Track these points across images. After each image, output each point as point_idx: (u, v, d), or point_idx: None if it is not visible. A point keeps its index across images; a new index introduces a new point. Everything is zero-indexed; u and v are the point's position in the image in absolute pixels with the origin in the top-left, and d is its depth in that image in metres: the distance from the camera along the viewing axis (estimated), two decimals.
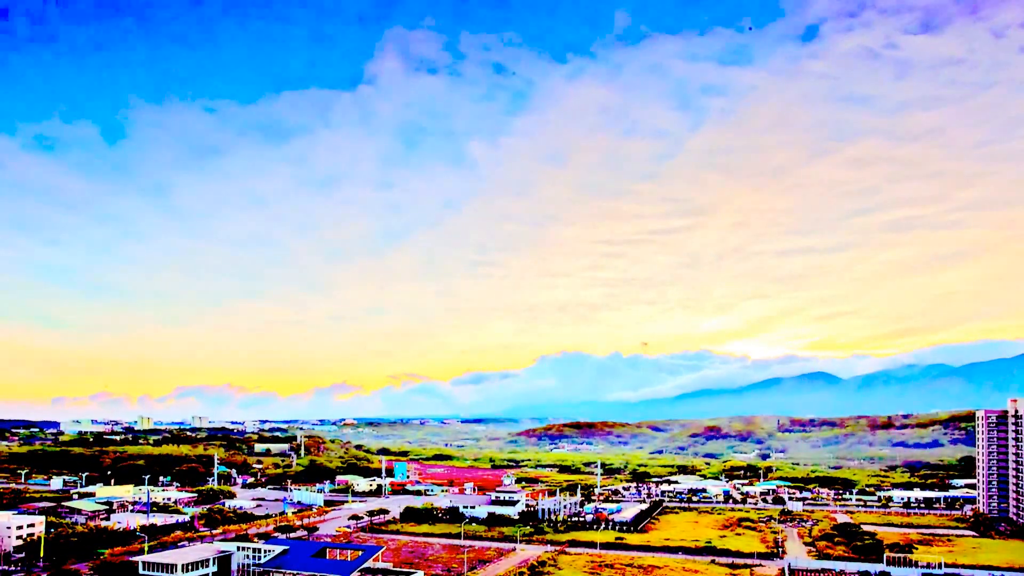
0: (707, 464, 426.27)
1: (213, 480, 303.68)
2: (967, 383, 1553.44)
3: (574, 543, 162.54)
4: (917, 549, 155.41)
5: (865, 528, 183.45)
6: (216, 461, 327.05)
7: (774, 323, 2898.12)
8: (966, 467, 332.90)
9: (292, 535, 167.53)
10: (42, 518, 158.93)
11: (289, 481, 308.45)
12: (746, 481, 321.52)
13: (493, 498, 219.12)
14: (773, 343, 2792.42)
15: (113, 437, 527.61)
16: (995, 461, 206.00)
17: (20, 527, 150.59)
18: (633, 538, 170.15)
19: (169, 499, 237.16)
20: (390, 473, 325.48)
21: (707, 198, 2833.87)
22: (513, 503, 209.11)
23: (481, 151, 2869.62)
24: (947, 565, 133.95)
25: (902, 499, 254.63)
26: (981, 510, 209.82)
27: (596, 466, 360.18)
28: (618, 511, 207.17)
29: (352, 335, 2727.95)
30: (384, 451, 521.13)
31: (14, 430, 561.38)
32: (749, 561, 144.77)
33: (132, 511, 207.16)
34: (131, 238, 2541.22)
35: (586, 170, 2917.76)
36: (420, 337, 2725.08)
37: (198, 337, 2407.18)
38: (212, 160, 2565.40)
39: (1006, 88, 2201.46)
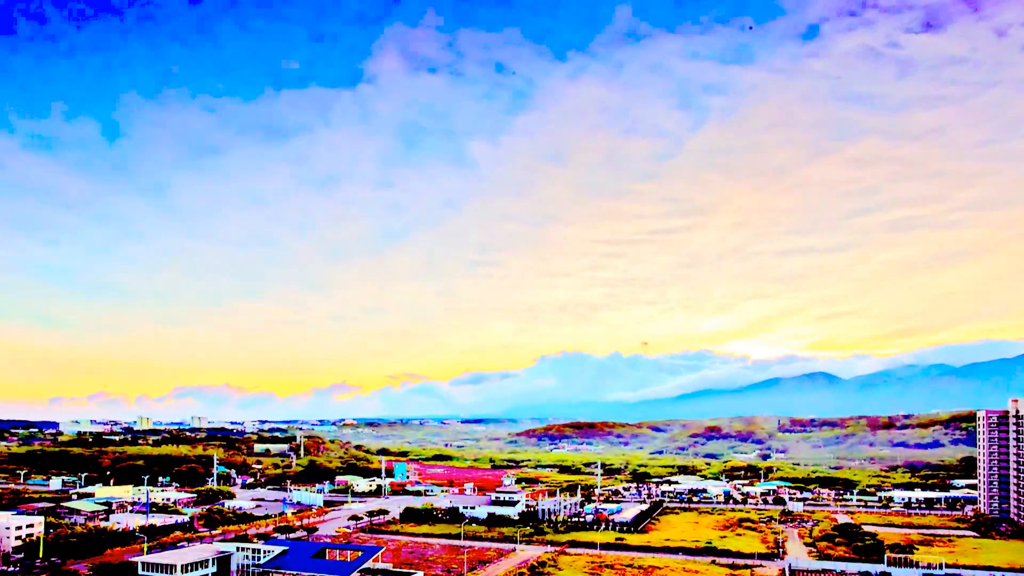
0: (707, 464, 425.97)
1: (212, 480, 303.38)
2: (968, 383, 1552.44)
3: (574, 543, 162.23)
4: (918, 550, 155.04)
5: (866, 528, 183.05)
6: (215, 461, 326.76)
7: (775, 323, 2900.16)
8: (967, 467, 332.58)
9: (292, 536, 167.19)
10: (41, 518, 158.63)
11: (289, 481, 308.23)
12: (746, 481, 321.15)
13: (493, 498, 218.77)
14: (773, 343, 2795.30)
15: (112, 437, 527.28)
16: (996, 461, 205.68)
17: (19, 527, 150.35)
18: (633, 538, 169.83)
19: (168, 499, 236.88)
20: (390, 473, 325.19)
21: (707, 198, 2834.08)
22: (513, 503, 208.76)
23: (481, 150, 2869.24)
24: (948, 566, 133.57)
25: (903, 499, 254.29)
26: (982, 510, 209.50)
27: (596, 466, 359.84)
28: (618, 511, 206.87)
29: (352, 335, 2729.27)
30: (384, 451, 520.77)
31: (13, 430, 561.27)
32: (750, 562, 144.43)
33: (131, 511, 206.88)
34: (130, 237, 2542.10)
35: (586, 169, 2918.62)
36: (420, 337, 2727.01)
37: (197, 337, 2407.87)
38: (211, 159, 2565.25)
39: (1008, 87, 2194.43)
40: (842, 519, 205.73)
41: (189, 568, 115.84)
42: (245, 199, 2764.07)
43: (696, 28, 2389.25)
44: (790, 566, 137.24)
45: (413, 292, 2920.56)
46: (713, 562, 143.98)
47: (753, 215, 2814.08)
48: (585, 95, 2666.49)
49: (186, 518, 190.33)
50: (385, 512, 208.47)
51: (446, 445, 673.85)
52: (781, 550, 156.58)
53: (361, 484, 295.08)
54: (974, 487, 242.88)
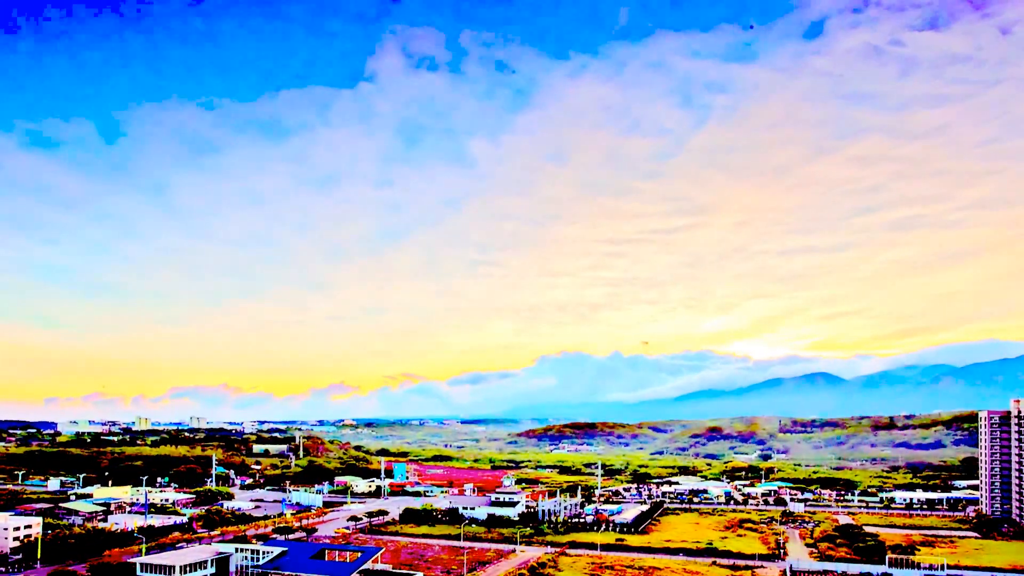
0: (708, 465, 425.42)
1: (211, 481, 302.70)
2: (970, 384, 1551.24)
3: (574, 544, 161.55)
4: (919, 551, 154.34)
5: (867, 529, 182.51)
6: (214, 462, 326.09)
7: (776, 323, 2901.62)
8: (969, 468, 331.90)
9: (291, 536, 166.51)
10: (39, 519, 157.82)
11: (288, 482, 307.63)
12: (747, 482, 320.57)
13: (493, 499, 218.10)
14: (775, 343, 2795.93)
15: (111, 438, 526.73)
16: (998, 462, 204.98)
17: (17, 528, 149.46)
18: (634, 539, 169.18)
19: (167, 500, 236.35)
20: (389, 474, 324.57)
21: (709, 197, 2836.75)
22: (513, 504, 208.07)
23: (482, 149, 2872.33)
24: (950, 567, 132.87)
25: (904, 500, 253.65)
26: (984, 511, 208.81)
27: (596, 467, 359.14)
28: (619, 512, 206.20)
29: (351, 335, 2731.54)
30: (383, 452, 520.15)
31: (11, 431, 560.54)
32: (750, 563, 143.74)
33: (130, 512, 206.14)
34: (129, 237, 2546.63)
35: (587, 168, 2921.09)
36: (420, 337, 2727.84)
37: (195, 337, 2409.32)
38: (211, 158, 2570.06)
39: (1012, 85, 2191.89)
40: (843, 520, 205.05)
41: (188, 569, 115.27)
42: (244, 199, 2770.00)
43: (698, 26, 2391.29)
44: (791, 567, 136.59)
45: (413, 292, 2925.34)
46: (714, 563, 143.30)
47: (755, 214, 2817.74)
48: (586, 94, 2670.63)
49: (185, 519, 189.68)
50: (384, 513, 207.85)
51: (446, 446, 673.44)
52: (782, 551, 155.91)
53: (360, 485, 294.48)
54: (976, 488, 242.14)
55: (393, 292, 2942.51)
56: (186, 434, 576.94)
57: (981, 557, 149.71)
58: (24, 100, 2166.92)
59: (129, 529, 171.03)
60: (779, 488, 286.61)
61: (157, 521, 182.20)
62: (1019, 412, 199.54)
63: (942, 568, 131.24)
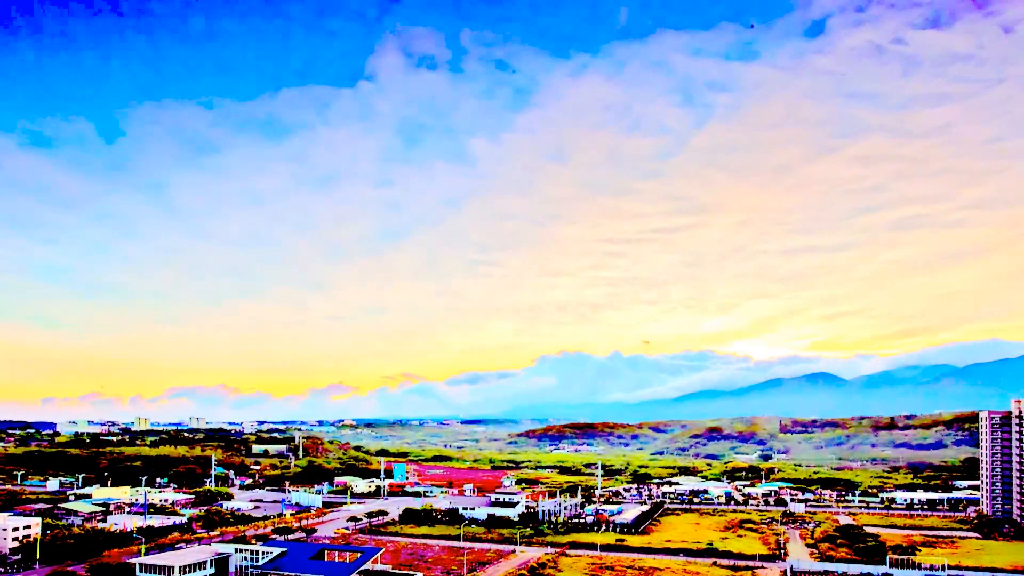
0: (708, 465, 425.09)
1: (211, 481, 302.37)
2: (971, 384, 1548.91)
3: (574, 545, 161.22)
4: (920, 551, 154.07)
5: (868, 530, 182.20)
6: (214, 462, 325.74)
7: (777, 323, 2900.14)
8: (970, 468, 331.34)
9: (290, 537, 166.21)
10: (38, 520, 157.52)
11: (287, 482, 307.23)
12: (748, 482, 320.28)
13: (493, 500, 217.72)
14: (776, 343, 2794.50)
15: (110, 438, 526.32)
16: (999, 462, 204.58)
17: (16, 529, 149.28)
18: (634, 540, 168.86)
19: (166, 501, 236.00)
20: (389, 474, 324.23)
21: (710, 196, 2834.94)
22: (513, 505, 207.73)
23: (482, 148, 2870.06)
24: (950, 567, 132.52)
25: (905, 500, 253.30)
26: (985, 512, 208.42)
27: (596, 467, 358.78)
28: (619, 512, 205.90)
29: (351, 335, 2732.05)
30: (383, 452, 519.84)
31: (10, 431, 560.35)
32: (751, 563, 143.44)
33: (129, 513, 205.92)
34: (128, 237, 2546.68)
35: (588, 168, 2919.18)
36: (419, 337, 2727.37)
37: (195, 337, 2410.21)
38: (210, 158, 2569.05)
39: (1014, 84, 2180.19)
40: (844, 520, 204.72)
41: (187, 569, 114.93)
42: (244, 198, 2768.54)
43: (699, 25, 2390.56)
44: (792, 567, 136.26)
45: (413, 291, 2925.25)
46: (714, 563, 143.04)
47: (756, 214, 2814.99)
48: (587, 93, 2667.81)
49: (184, 519, 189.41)
50: (384, 513, 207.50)
51: (445, 446, 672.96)
52: (783, 551, 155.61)
53: (360, 485, 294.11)
54: (977, 488, 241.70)
55: (393, 292, 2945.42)
56: (185, 434, 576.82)
57: (982, 558, 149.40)
58: (23, 99, 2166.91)
59: (128, 529, 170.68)
60: (779, 488, 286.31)
61: (156, 521, 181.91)
62: (1020, 412, 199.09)
63: (943, 569, 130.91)
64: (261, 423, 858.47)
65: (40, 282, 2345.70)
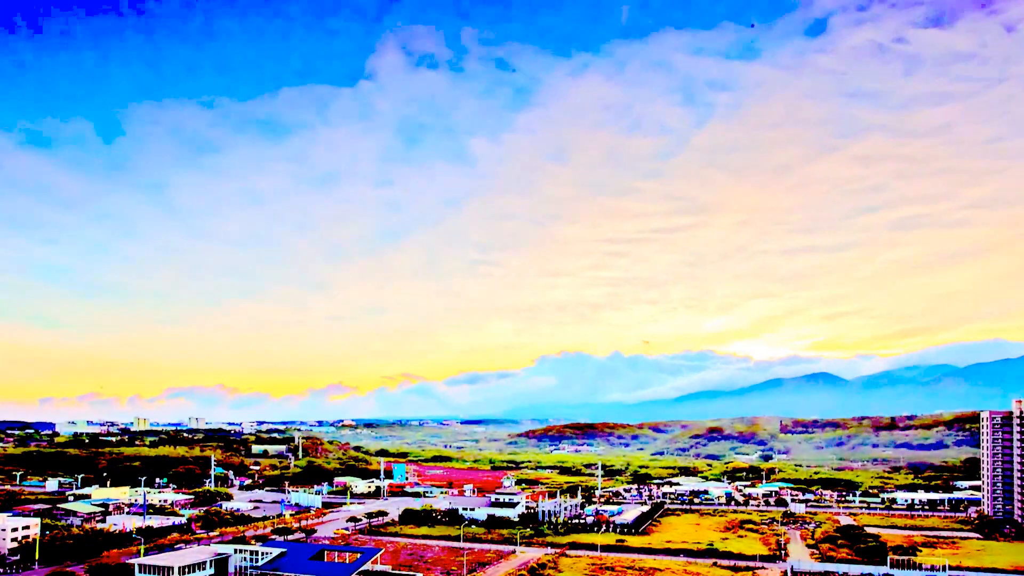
0: (709, 466, 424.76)
1: (210, 482, 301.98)
2: (972, 384, 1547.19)
3: (575, 545, 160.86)
4: (921, 551, 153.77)
5: (868, 530, 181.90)
6: (213, 463, 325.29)
7: (778, 323, 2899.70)
8: (971, 469, 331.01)
9: (290, 537, 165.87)
10: (37, 520, 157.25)
11: (287, 483, 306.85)
12: (748, 483, 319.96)
13: (493, 500, 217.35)
14: (777, 343, 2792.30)
15: (109, 438, 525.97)
16: (1000, 463, 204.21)
17: (15, 529, 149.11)
18: (634, 540, 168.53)
19: (165, 501, 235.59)
20: (389, 475, 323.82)
21: (711, 196, 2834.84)
22: (513, 505, 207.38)
23: (482, 148, 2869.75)
24: (951, 568, 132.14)
25: (906, 501, 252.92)
26: (986, 512, 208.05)
27: (597, 468, 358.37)
28: (619, 513, 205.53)
29: (351, 335, 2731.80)
30: (383, 452, 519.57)
31: (9, 431, 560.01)
32: (751, 563, 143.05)
33: (128, 513, 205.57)
34: (128, 237, 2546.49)
35: (588, 168, 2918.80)
36: (419, 337, 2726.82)
37: (195, 337, 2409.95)
38: (210, 157, 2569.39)
39: (1016, 84, 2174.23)
40: (845, 521, 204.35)
41: (186, 570, 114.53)
42: (244, 198, 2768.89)
43: (700, 24, 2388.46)
44: (792, 568, 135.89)
45: (413, 291, 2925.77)
46: (715, 564, 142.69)
47: (757, 214, 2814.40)
48: (588, 92, 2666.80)
49: (183, 520, 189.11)
50: (384, 514, 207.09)
51: (445, 446, 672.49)
52: (783, 552, 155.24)
53: (360, 485, 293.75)
54: (978, 489, 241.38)
55: (393, 292, 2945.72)
56: (184, 435, 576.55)
57: (983, 558, 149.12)
58: (22, 99, 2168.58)
59: (127, 530, 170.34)
60: (780, 489, 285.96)
61: (156, 522, 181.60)
62: (1021, 412, 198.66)
63: (944, 569, 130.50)
64: (260, 423, 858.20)
65: (39, 282, 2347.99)
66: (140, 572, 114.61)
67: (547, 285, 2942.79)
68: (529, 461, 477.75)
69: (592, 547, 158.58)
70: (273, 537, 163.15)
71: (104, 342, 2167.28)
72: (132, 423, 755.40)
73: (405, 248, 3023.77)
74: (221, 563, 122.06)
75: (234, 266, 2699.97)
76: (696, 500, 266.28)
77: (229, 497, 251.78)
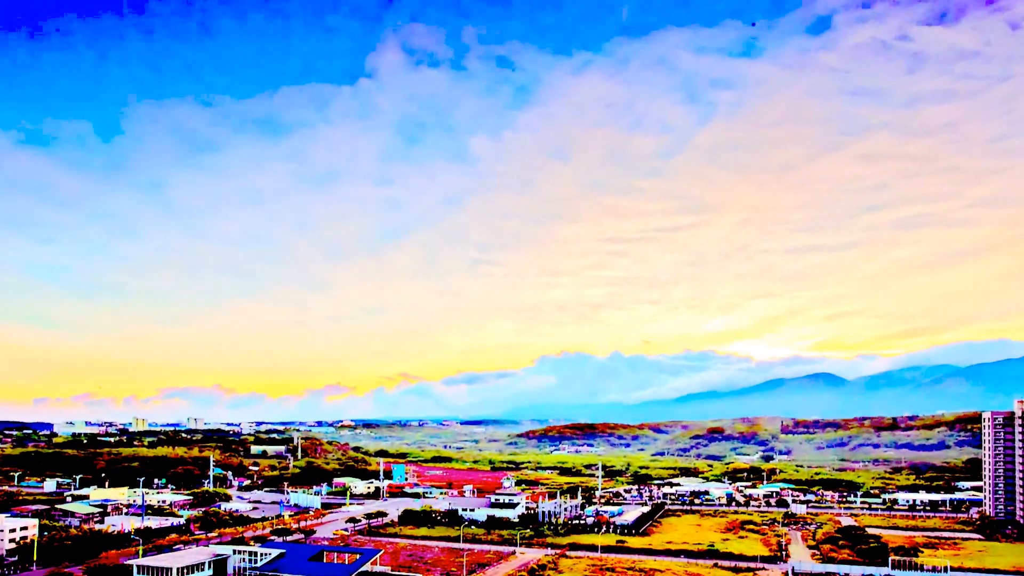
0: (709, 466, 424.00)
1: (209, 482, 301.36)
2: (974, 384, 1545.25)
3: (575, 546, 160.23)
4: (923, 552, 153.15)
5: (870, 531, 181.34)
6: (212, 463, 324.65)
7: (779, 323, 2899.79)
8: (972, 469, 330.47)
9: (289, 538, 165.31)
10: (35, 521, 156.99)
11: (286, 483, 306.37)
12: (749, 483, 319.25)
13: (493, 501, 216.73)
14: (778, 343, 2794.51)
15: (107, 439, 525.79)
16: (1001, 463, 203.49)
17: (13, 530, 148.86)
18: (635, 541, 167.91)
19: (164, 502, 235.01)
20: (388, 475, 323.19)
21: (713, 195, 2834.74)
22: (513, 506, 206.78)
23: (483, 146, 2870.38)
24: (953, 569, 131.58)
25: (907, 502, 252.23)
26: (988, 513, 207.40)
27: (597, 468, 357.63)
28: (619, 514, 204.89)
29: (350, 335, 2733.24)
30: (382, 453, 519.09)
31: (7, 432, 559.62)
32: (752, 564, 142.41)
33: (127, 514, 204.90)
34: (126, 236, 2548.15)
35: (590, 166, 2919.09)
36: (419, 337, 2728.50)
37: (194, 337, 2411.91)
38: (209, 156, 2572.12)
39: (1021, 81, 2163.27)
40: (846, 521, 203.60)
41: (185, 571, 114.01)
42: (243, 197, 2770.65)
43: (703, 22, 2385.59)
44: (793, 569, 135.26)
45: (413, 291, 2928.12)
46: (715, 565, 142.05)
47: (759, 213, 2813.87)
48: (589, 90, 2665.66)
49: (182, 520, 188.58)
50: (383, 514, 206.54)
51: (445, 447, 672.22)
52: (784, 553, 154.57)
53: (359, 486, 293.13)
54: (979, 489, 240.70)
55: (393, 292, 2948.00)
56: (183, 435, 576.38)
57: (984, 559, 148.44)
58: (20, 98, 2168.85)
59: (126, 531, 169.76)
60: (781, 489, 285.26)
61: (154, 523, 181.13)
62: (1023, 413, 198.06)
63: (945, 570, 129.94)
64: (259, 424, 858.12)
65: (38, 282, 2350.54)
66: (139, 573, 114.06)
67: (547, 285, 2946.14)
68: (529, 462, 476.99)
69: (592, 548, 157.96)
70: (272, 538, 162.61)
71: (103, 342, 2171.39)
72: (130, 423, 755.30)
73: (405, 248, 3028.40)
74: (220, 564, 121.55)
75: (233, 266, 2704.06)
76: (697, 501, 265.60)
77: (228, 498, 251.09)
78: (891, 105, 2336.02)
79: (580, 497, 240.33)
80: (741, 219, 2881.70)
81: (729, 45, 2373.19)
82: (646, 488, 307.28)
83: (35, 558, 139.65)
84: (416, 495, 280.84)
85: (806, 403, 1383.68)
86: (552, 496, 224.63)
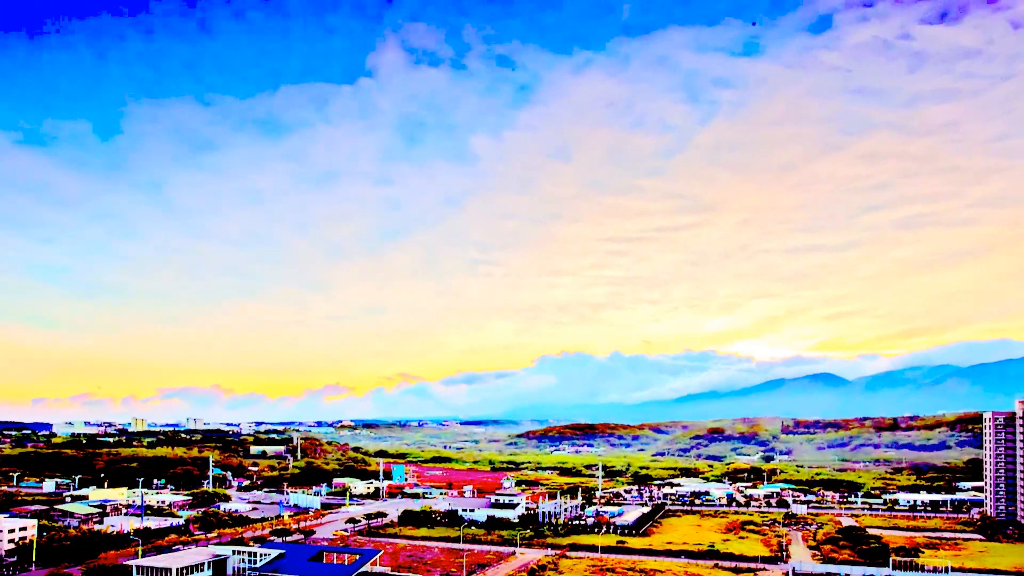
0: (710, 467, 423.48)
1: (208, 483, 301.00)
2: (975, 384, 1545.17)
3: (575, 547, 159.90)
4: (923, 553, 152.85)
5: (871, 531, 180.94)
6: (211, 463, 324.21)
7: (780, 323, 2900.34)
8: (973, 469, 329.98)
9: (288, 539, 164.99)
10: (34, 521, 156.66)
11: (285, 484, 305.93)
12: (750, 484, 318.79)
13: (492, 501, 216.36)
14: (779, 343, 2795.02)
15: (106, 439, 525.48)
16: (1003, 464, 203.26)
17: (12, 530, 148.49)
18: (635, 541, 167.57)
19: (163, 502, 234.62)
20: (388, 476, 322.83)
21: (714, 195, 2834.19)
22: (513, 506, 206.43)
23: (483, 146, 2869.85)
24: (954, 569, 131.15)
25: (908, 502, 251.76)
26: (988, 513, 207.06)
27: (597, 468, 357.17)
28: (620, 514, 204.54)
29: (350, 335, 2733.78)
30: (382, 453, 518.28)
31: (5, 432, 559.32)
32: (753, 565, 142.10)
33: (126, 514, 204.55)
34: (126, 236, 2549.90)
35: (591, 166, 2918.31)
36: (419, 337, 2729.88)
37: (194, 337, 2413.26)
38: (208, 156, 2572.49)
39: (1022, 81, 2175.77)
40: (847, 522, 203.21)
41: (184, 572, 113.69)
42: (242, 197, 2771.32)
43: (704, 20, 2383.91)
44: (794, 569, 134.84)
45: (413, 291, 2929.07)
46: (716, 565, 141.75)
47: (760, 212, 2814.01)
48: (590, 89, 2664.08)
49: (181, 521, 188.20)
50: (383, 515, 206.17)
51: (445, 447, 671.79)
52: (785, 553, 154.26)
53: (359, 486, 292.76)
54: (981, 490, 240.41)
55: (393, 292, 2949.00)
56: (182, 435, 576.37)
57: (985, 559, 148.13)
58: (20, 97, 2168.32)
59: (125, 531, 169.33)
60: (782, 490, 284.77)
61: (153, 523, 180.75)
62: None
63: (946, 571, 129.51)
64: (259, 424, 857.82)
65: (37, 282, 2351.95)
66: (138, 573, 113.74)
67: (547, 285, 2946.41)
68: (529, 462, 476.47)
69: (592, 548, 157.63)
70: (272, 538, 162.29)
71: (102, 342, 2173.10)
72: (129, 424, 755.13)
73: (405, 248, 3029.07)
74: (219, 564, 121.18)
75: (233, 266, 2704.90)
76: (697, 501, 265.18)
77: (227, 498, 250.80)
78: (892, 104, 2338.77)
79: (580, 497, 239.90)
80: (742, 219, 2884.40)
81: (730, 44, 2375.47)
82: (646, 488, 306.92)
83: (34, 558, 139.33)
84: (416, 495, 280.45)
85: (807, 403, 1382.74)
86: (552, 496, 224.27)
